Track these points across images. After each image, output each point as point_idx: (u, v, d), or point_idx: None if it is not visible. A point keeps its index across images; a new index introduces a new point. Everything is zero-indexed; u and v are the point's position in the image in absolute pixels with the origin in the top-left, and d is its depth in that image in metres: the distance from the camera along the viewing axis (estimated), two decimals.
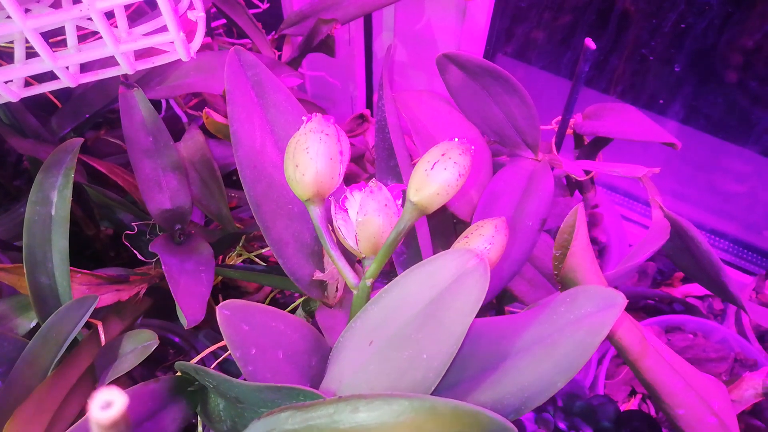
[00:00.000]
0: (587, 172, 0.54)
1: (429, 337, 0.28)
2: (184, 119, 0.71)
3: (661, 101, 0.73)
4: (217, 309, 0.31)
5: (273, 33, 0.70)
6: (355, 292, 0.32)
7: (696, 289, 0.70)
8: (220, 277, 0.56)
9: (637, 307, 0.69)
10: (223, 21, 0.75)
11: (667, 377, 0.36)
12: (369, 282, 0.31)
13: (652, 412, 0.56)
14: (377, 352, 0.29)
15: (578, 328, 0.26)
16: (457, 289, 0.27)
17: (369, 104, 0.82)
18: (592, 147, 0.55)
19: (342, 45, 0.80)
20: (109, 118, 0.72)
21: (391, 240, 0.30)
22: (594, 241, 0.70)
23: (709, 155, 0.79)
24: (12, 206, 0.68)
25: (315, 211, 0.31)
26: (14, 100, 0.32)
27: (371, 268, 0.31)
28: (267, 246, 0.56)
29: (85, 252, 0.69)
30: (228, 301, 0.31)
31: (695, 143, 0.78)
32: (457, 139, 0.29)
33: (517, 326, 0.29)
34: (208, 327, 0.62)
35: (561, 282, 0.33)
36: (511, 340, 0.28)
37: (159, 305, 0.57)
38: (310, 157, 0.30)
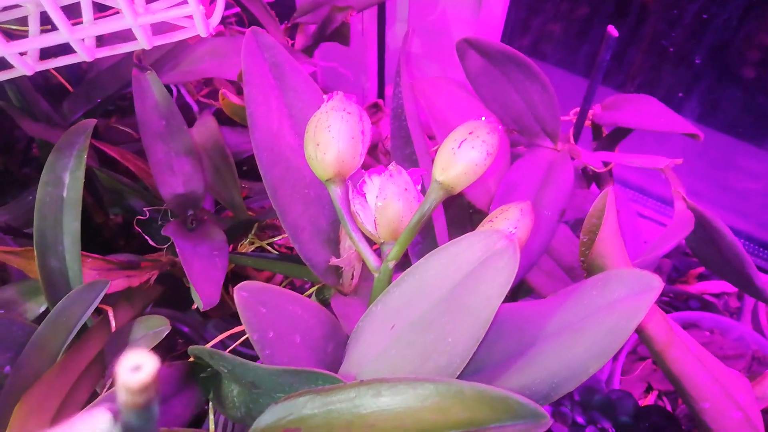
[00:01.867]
0: (606, 164, 0.53)
1: (454, 321, 0.27)
2: (195, 108, 0.70)
3: (680, 94, 0.72)
4: (235, 290, 0.30)
5: (286, 22, 0.69)
6: (376, 275, 0.31)
7: (712, 286, 0.69)
8: (231, 265, 0.55)
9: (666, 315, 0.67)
10: (235, 10, 0.74)
11: (693, 369, 0.35)
12: (391, 265, 0.30)
13: (669, 409, 0.55)
14: (399, 336, 0.28)
15: (611, 312, 0.25)
16: (485, 271, 0.26)
17: (380, 95, 0.81)
18: (610, 139, 0.54)
19: (354, 36, 0.79)
20: (120, 105, 0.71)
21: (414, 222, 0.29)
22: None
23: (725, 153, 0.78)
24: (21, 194, 0.68)
25: (336, 192, 0.30)
26: (29, 73, 0.31)
27: (394, 250, 0.30)
28: (279, 235, 0.56)
29: (95, 240, 0.69)
30: (245, 282, 0.30)
31: (711, 140, 0.77)
32: (484, 118, 0.28)
33: (544, 311, 0.28)
34: (218, 317, 0.61)
35: (587, 269, 0.33)
36: (538, 325, 0.27)
37: (168, 294, 0.56)
38: (332, 135, 0.29)
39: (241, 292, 0.30)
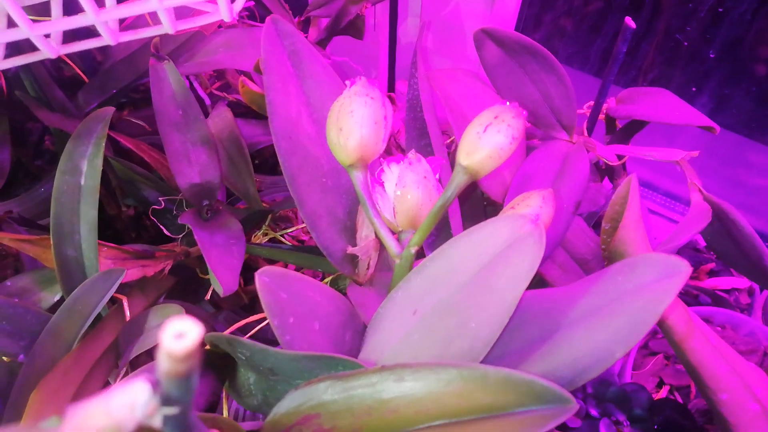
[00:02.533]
0: (619, 158, 0.53)
1: (478, 305, 0.27)
2: (208, 102, 0.70)
3: (694, 89, 0.71)
4: (256, 275, 0.30)
5: (299, 16, 0.69)
6: (397, 261, 0.31)
7: (722, 282, 0.69)
8: (247, 255, 0.55)
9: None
10: (249, 4, 0.74)
11: (712, 360, 0.35)
12: (413, 250, 0.30)
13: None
14: (421, 321, 0.28)
15: (638, 296, 0.25)
16: (510, 254, 0.26)
17: (391, 90, 0.81)
18: (624, 132, 0.54)
19: (366, 31, 0.79)
20: (133, 98, 0.71)
21: (438, 207, 0.29)
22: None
23: (736, 149, 0.78)
24: (33, 186, 0.68)
25: (358, 177, 0.30)
26: (53, 56, 0.31)
27: (416, 236, 0.30)
28: (292, 227, 0.56)
29: (106, 232, 0.69)
30: (266, 267, 0.30)
31: (722, 137, 0.77)
32: (509, 103, 0.28)
33: (568, 297, 0.28)
34: (229, 308, 0.61)
35: (609, 257, 0.32)
36: (562, 311, 0.27)
37: (180, 286, 0.56)
38: (355, 120, 0.29)
39: (262, 277, 0.30)
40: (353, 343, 0.35)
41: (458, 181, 0.28)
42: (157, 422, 0.14)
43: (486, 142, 0.27)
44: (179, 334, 0.13)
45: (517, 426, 0.24)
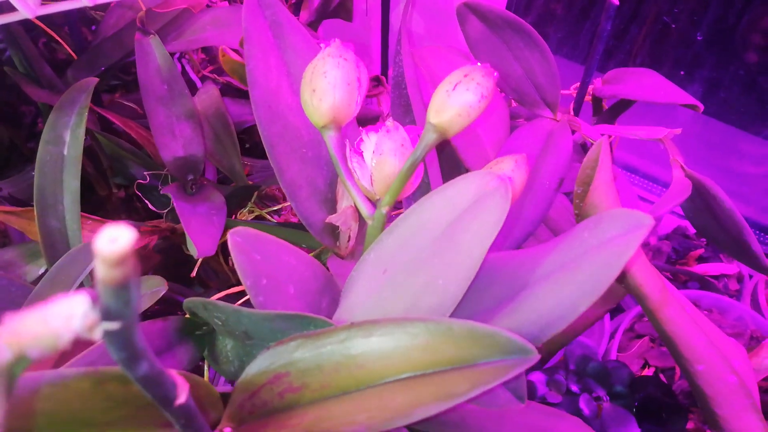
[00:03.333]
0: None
1: (445, 262, 0.27)
2: (199, 84, 0.70)
3: (682, 72, 0.71)
4: (229, 234, 0.30)
5: None
6: (369, 222, 0.31)
7: (711, 268, 0.69)
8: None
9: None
10: None
11: (687, 330, 0.35)
12: (384, 210, 0.31)
13: None
14: (391, 279, 0.28)
15: (602, 250, 0.25)
16: (477, 210, 0.26)
17: (383, 74, 0.81)
18: (611, 113, 0.54)
19: (358, 16, 0.79)
20: (125, 80, 0.71)
21: (407, 167, 0.29)
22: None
23: (725, 137, 0.78)
24: (26, 167, 0.68)
25: (331, 138, 0.31)
26: (30, 16, 0.31)
27: (387, 196, 0.30)
28: (278, 204, 0.56)
29: (97, 213, 0.69)
30: (240, 227, 0.30)
31: (711, 125, 0.77)
32: (479, 63, 0.28)
33: (537, 255, 0.28)
34: (216, 288, 0.61)
35: (581, 221, 0.32)
36: (530, 269, 0.27)
37: (170, 268, 0.57)
38: (328, 81, 0.30)
39: (235, 237, 0.30)
40: (330, 309, 0.35)
41: (428, 139, 0.28)
42: (96, 336, 0.15)
43: (455, 100, 0.27)
44: (113, 239, 0.13)
45: (480, 376, 0.24)
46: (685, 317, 0.35)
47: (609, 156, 0.31)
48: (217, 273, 0.59)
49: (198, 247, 0.36)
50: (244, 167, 0.68)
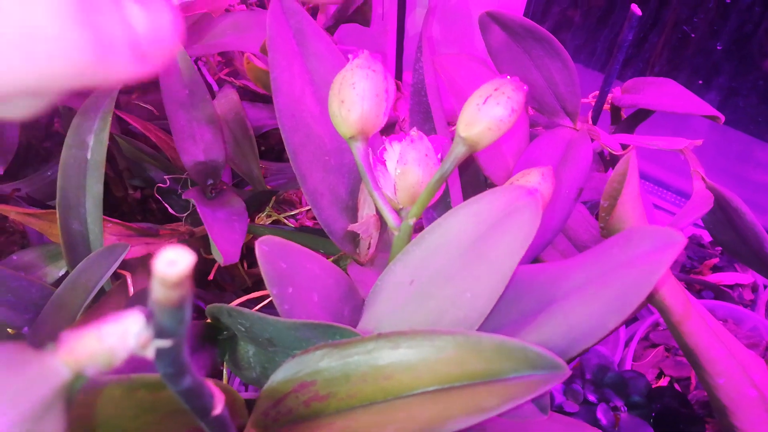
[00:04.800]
0: (624, 147, 0.53)
1: (474, 275, 0.27)
2: (216, 87, 0.70)
3: (700, 81, 0.71)
4: (257, 244, 0.30)
5: (306, 3, 0.69)
6: (396, 233, 0.31)
7: (726, 278, 0.68)
8: (249, 236, 0.55)
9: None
10: None
11: (709, 343, 0.35)
12: (411, 222, 0.31)
13: None
14: (418, 290, 0.29)
15: (632, 267, 0.25)
16: (507, 224, 0.26)
17: (398, 79, 0.82)
18: (629, 122, 0.54)
19: (374, 21, 0.79)
20: (142, 82, 0.72)
21: (436, 179, 0.29)
22: None
23: (742, 147, 0.78)
24: (41, 167, 0.69)
25: (358, 149, 0.31)
26: None
27: (414, 207, 0.30)
28: (296, 209, 0.56)
29: (113, 214, 0.70)
30: (266, 236, 0.31)
31: (728, 135, 0.76)
32: (509, 77, 0.28)
33: (565, 270, 0.28)
34: (233, 291, 0.61)
35: (607, 235, 0.33)
36: (557, 283, 0.28)
37: None
38: (357, 93, 0.30)
39: (262, 246, 0.30)
40: (352, 317, 0.36)
41: (457, 152, 0.28)
42: (150, 353, 0.15)
43: (485, 113, 0.27)
44: (172, 262, 0.13)
45: (510, 391, 0.24)
46: (707, 330, 0.35)
47: (637, 170, 0.31)
48: (234, 277, 0.59)
49: (223, 253, 0.36)
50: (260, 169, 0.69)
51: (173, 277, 0.13)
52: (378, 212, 0.37)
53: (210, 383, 0.21)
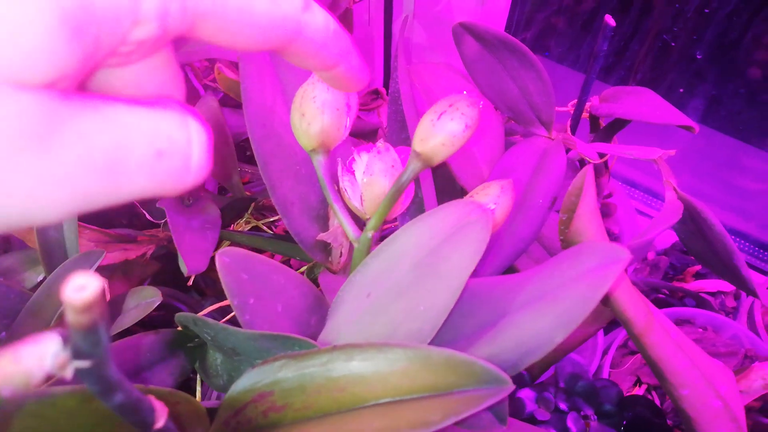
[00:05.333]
0: (601, 156, 0.53)
1: (426, 288, 0.27)
2: (202, 92, 0.71)
3: (681, 90, 0.71)
4: (217, 255, 0.30)
5: None
6: (356, 245, 0.32)
7: (708, 285, 0.69)
8: (227, 243, 0.56)
9: (648, 300, 0.67)
10: None
11: (672, 355, 0.35)
12: (370, 234, 0.31)
13: (657, 403, 0.55)
14: (374, 303, 0.29)
15: (580, 282, 0.25)
16: (458, 239, 0.27)
17: (386, 86, 0.82)
18: (607, 131, 0.55)
19: (361, 26, 0.79)
20: None
21: (392, 192, 0.30)
22: (606, 232, 0.69)
23: (728, 152, 0.78)
24: None
25: (320, 162, 0.31)
26: None
27: (373, 220, 0.31)
28: (276, 216, 0.56)
29: (99, 218, 0.70)
30: (228, 248, 0.31)
31: (714, 140, 0.77)
32: (465, 92, 0.28)
33: (518, 284, 0.28)
34: (214, 297, 0.62)
35: (566, 247, 0.33)
36: (511, 297, 0.28)
37: (167, 273, 0.57)
38: (317, 106, 0.30)
39: (223, 258, 0.30)
40: (318, 327, 0.36)
41: (413, 167, 0.29)
42: (68, 374, 0.15)
43: (439, 129, 0.27)
44: (81, 287, 0.14)
45: (456, 405, 0.24)
46: (670, 342, 0.36)
47: (593, 185, 0.32)
48: (214, 281, 0.60)
49: (188, 264, 0.37)
50: (244, 175, 0.69)
51: (82, 303, 0.13)
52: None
53: (151, 398, 0.21)
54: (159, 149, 0.17)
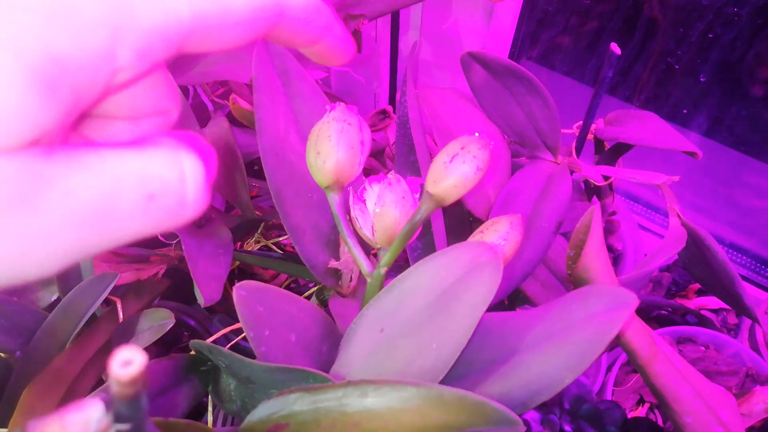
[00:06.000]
0: (606, 178, 0.54)
1: (439, 327, 0.28)
2: (210, 107, 0.72)
3: (685, 111, 0.72)
4: (234, 289, 0.31)
5: None
6: (369, 280, 0.33)
7: (711, 302, 0.69)
8: (237, 263, 0.57)
9: (650, 317, 0.68)
10: None
11: (675, 383, 0.36)
12: (383, 270, 0.32)
13: (660, 422, 0.56)
14: (387, 339, 0.30)
15: (588, 325, 0.26)
16: (470, 281, 0.27)
17: (392, 102, 0.83)
18: (612, 153, 0.55)
19: (368, 42, 0.80)
20: None
21: (406, 230, 0.30)
22: (610, 248, 0.70)
23: (731, 169, 0.79)
24: None
25: (334, 199, 0.32)
26: None
27: (386, 257, 0.32)
28: (285, 235, 0.57)
29: None
30: (245, 282, 0.32)
31: (717, 156, 0.77)
32: (477, 134, 0.29)
33: (528, 322, 0.29)
34: (223, 311, 0.63)
35: (574, 282, 0.34)
36: (521, 335, 0.29)
37: (176, 287, 0.58)
38: (332, 144, 0.31)
39: (240, 291, 0.31)
40: (330, 354, 0.37)
41: (426, 207, 0.29)
42: None
43: (452, 171, 0.28)
44: (126, 362, 0.14)
45: None
46: (673, 371, 0.37)
47: (600, 223, 0.32)
48: (225, 297, 0.60)
49: (204, 294, 0.37)
50: (251, 189, 0.70)
51: (128, 378, 0.14)
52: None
53: None
54: (150, 193, 0.16)
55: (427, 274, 0.29)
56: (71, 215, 0.15)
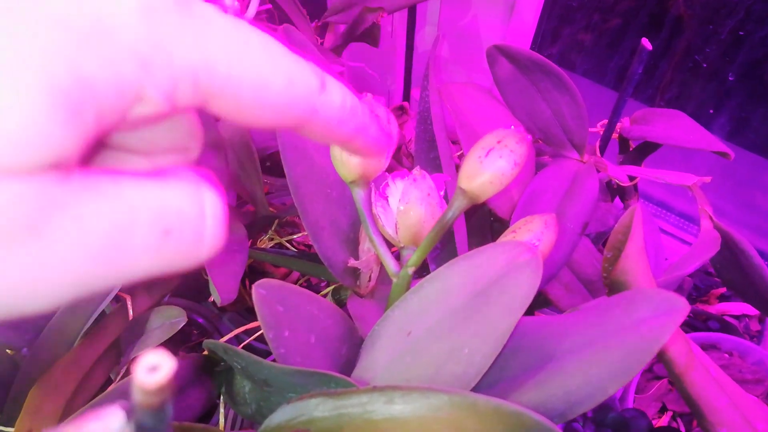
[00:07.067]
0: (631, 178, 0.52)
1: (472, 332, 0.26)
2: None
3: (711, 111, 0.70)
4: (253, 287, 0.30)
5: (316, 21, 0.69)
6: (394, 280, 0.31)
7: (733, 308, 0.68)
8: (250, 260, 0.55)
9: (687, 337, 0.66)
10: (267, 7, 0.74)
11: (712, 393, 0.35)
12: (411, 270, 0.30)
13: (683, 431, 0.55)
14: (415, 343, 0.28)
15: (634, 332, 0.24)
16: (506, 283, 0.26)
17: (406, 98, 0.81)
18: (637, 153, 0.54)
19: (384, 38, 0.79)
20: None
21: (437, 229, 0.29)
22: None
23: (752, 172, 0.77)
24: None
25: (359, 194, 0.30)
26: None
27: (414, 256, 0.30)
28: (298, 232, 0.56)
29: None
30: (264, 280, 0.30)
31: (739, 159, 0.76)
32: (513, 127, 0.28)
33: (565, 327, 0.27)
34: (234, 310, 0.61)
35: (610, 285, 0.32)
36: (558, 340, 0.27)
37: (185, 285, 0.57)
38: None
39: (259, 290, 0.30)
40: (349, 356, 0.35)
41: (458, 205, 0.28)
42: None
43: (487, 166, 0.27)
44: (152, 368, 0.13)
45: None
46: (710, 381, 0.35)
47: (641, 223, 0.31)
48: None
49: (221, 293, 0.36)
50: (263, 185, 0.68)
51: (154, 385, 0.13)
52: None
53: None
54: (166, 227, 0.15)
55: (459, 275, 0.28)
56: (80, 244, 0.14)
